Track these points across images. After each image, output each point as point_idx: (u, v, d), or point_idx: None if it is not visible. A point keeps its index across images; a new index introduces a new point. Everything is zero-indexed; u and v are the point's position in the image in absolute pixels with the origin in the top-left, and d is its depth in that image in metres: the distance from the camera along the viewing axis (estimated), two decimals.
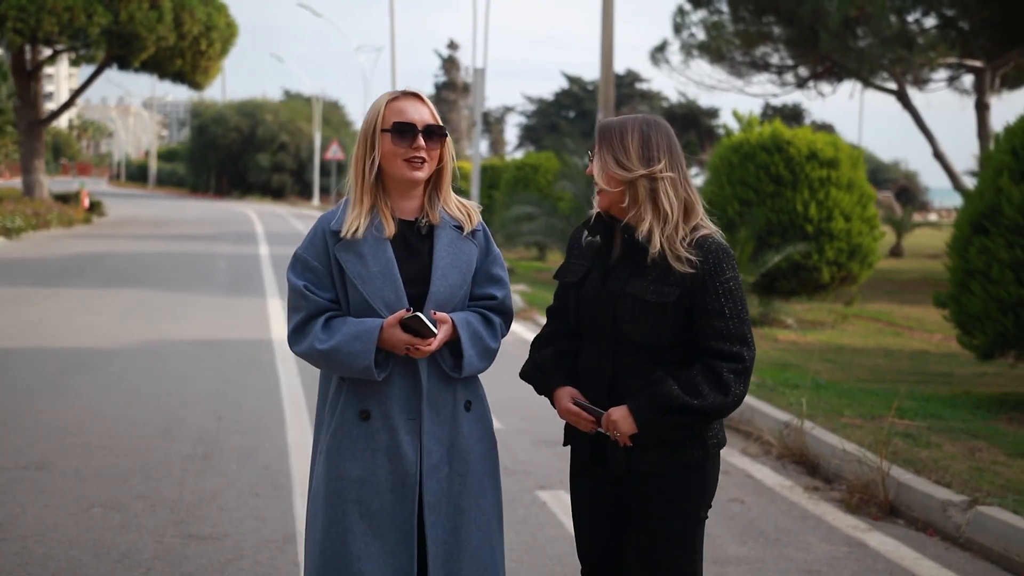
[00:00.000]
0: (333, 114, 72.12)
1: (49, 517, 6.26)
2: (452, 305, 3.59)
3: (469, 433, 3.63)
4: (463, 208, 3.70)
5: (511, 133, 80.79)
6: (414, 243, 3.61)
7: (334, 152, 52.55)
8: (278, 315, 15.11)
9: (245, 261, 23.93)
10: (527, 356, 3.76)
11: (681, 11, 32.97)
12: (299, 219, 45.20)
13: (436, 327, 3.47)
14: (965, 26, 28.40)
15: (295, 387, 10.11)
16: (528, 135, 73.75)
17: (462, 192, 3.83)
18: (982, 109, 30.98)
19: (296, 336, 3.59)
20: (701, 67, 34.27)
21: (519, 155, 55.53)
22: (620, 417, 3.46)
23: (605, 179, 3.50)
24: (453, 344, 3.57)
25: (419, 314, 3.40)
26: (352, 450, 3.54)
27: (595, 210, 3.63)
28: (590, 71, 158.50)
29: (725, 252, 3.49)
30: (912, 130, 70.09)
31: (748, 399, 9.05)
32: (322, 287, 3.58)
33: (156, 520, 6.26)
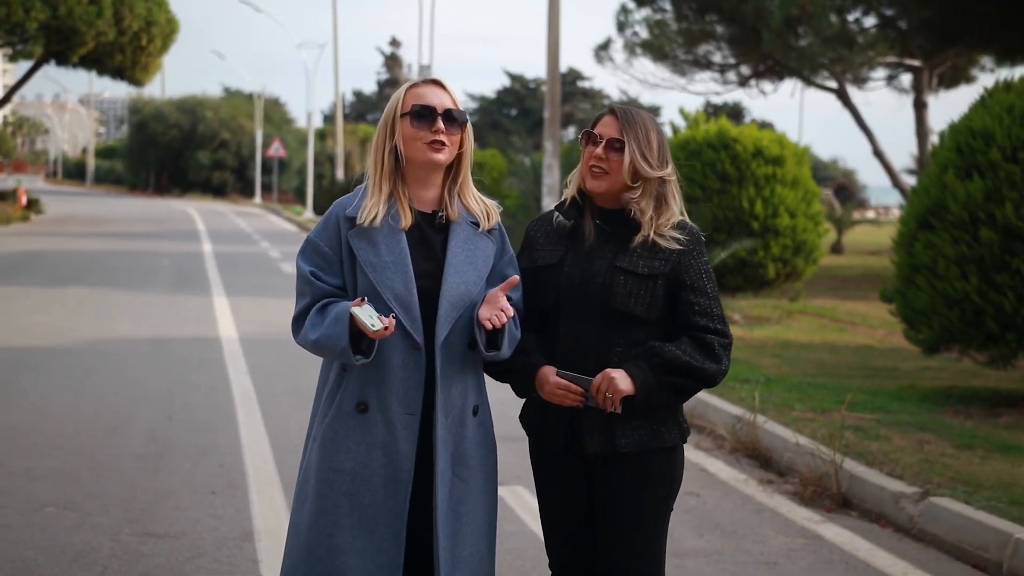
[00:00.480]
0: (274, 111, 71.60)
1: (1, 517, 6.18)
2: (468, 302, 3.53)
3: (473, 438, 3.59)
4: (482, 204, 3.66)
5: None
6: (430, 236, 3.57)
7: (276, 149, 52.06)
8: (225, 313, 15.00)
9: (189, 259, 23.72)
10: None
11: (624, 9, 33.11)
12: (241, 217, 44.89)
13: (379, 322, 3.35)
14: (904, 26, 28.77)
15: (245, 385, 10.04)
16: None
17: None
18: (920, 108, 31.42)
19: (296, 324, 3.57)
20: (644, 65, 34.21)
21: None
22: (619, 376, 3.46)
23: (629, 169, 3.54)
24: (492, 331, 3.53)
25: (356, 310, 3.34)
26: (347, 442, 3.50)
27: (568, 195, 3.67)
28: (532, 69, 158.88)
29: (701, 236, 3.64)
30: (849, 128, 71.08)
31: (700, 393, 9.11)
32: (330, 273, 3.55)
33: (110, 519, 6.19)
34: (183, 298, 16.69)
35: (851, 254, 32.67)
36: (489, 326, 3.45)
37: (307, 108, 50.16)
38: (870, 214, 58.16)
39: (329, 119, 65.22)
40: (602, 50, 34.82)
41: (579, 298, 3.57)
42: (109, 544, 5.79)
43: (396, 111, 3.58)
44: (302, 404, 9.31)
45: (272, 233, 34.49)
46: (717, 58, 33.48)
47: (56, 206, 46.26)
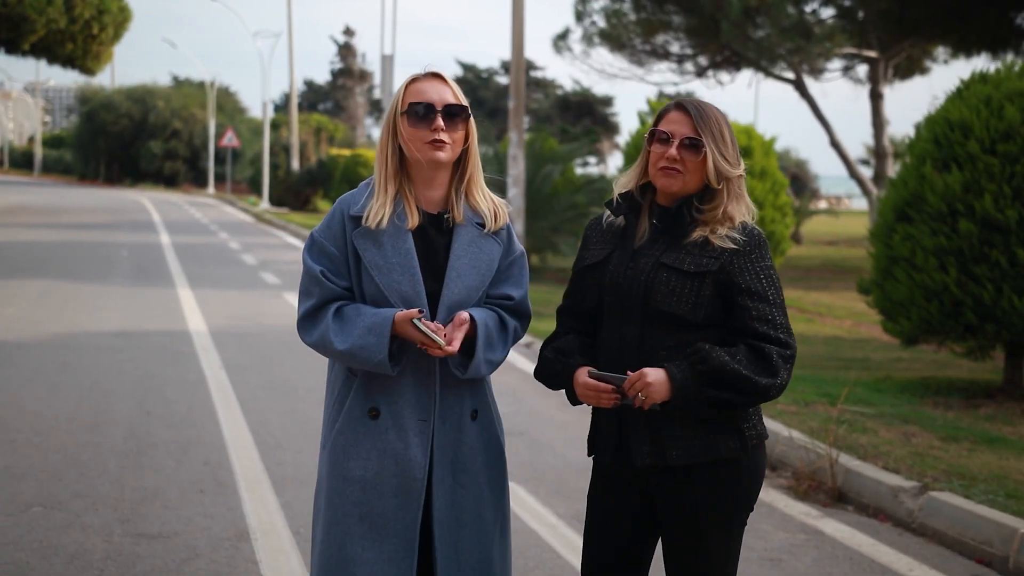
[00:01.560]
0: (226, 101, 70.90)
1: None
2: (468, 307, 3.42)
3: (473, 443, 3.47)
4: (491, 203, 3.52)
5: None
6: (435, 238, 3.44)
7: (229, 139, 51.49)
8: (191, 306, 14.80)
9: (148, 250, 23.43)
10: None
11: None
12: (196, 207, 44.45)
13: (442, 337, 3.28)
14: (861, 16, 28.97)
15: (222, 380, 9.89)
16: None
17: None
18: (876, 98, 31.66)
19: (307, 323, 3.43)
20: (602, 55, 34.29)
21: None
22: (656, 380, 3.22)
23: (713, 172, 3.34)
24: (466, 342, 3.38)
25: (419, 323, 3.24)
26: (358, 449, 3.39)
27: (618, 191, 3.48)
28: (484, 59, 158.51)
29: (764, 241, 3.41)
30: (801, 118, 71.44)
31: None
32: (338, 274, 3.42)
33: (100, 519, 6.05)
34: (147, 290, 16.46)
35: (809, 244, 32.92)
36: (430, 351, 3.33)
37: (263, 98, 49.85)
38: (822, 204, 58.56)
39: (280, 109, 64.74)
40: (560, 40, 34.77)
41: (622, 298, 3.37)
42: (103, 545, 5.65)
43: (397, 109, 3.43)
44: (280, 398, 9.20)
45: (229, 224, 34.17)
46: (675, 48, 33.50)
47: (5, 196, 45.59)
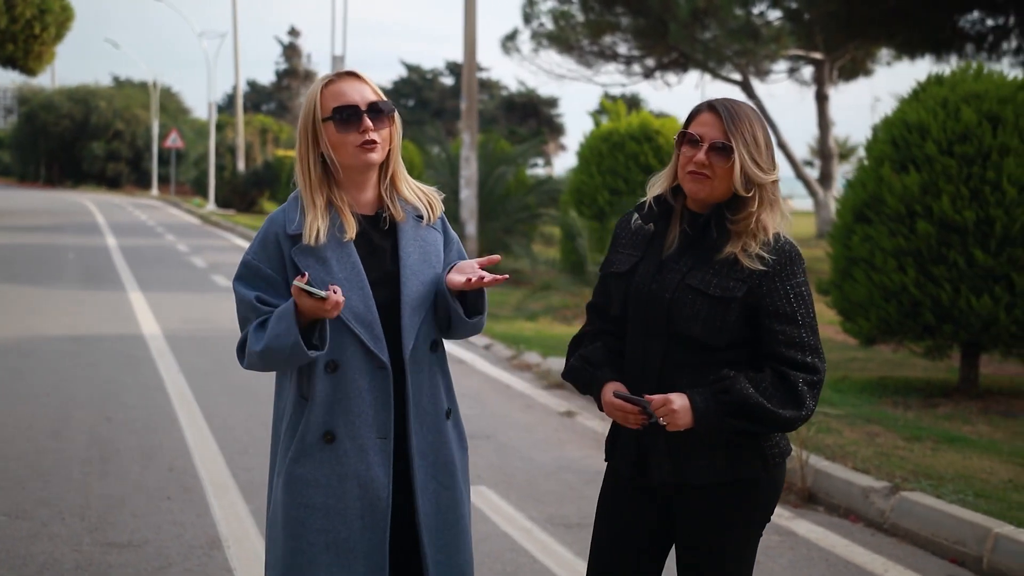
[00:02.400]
0: (169, 101, 70.35)
1: None
2: (428, 304, 3.32)
3: (451, 442, 3.39)
4: (422, 195, 3.42)
5: None
6: (378, 243, 3.32)
7: (173, 140, 51.06)
8: (144, 309, 14.62)
9: (94, 253, 23.14)
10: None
11: (531, 1, 33.12)
12: (140, 209, 44.00)
13: (324, 290, 3.10)
14: (808, 18, 29.23)
15: (180, 384, 9.77)
16: None
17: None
18: (822, 100, 32.04)
19: (241, 351, 3.32)
20: (551, 56, 34.41)
21: None
22: (680, 407, 3.13)
23: (741, 178, 3.19)
24: (476, 295, 3.32)
25: (296, 283, 3.06)
26: (316, 475, 3.25)
27: (650, 195, 3.35)
28: (428, 59, 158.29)
29: (798, 255, 3.24)
30: None
31: None
32: (275, 295, 3.28)
33: (68, 528, 5.95)
34: (97, 294, 16.25)
35: None
36: (462, 280, 3.22)
37: (208, 98, 49.37)
38: None
39: (223, 110, 64.26)
40: (509, 41, 34.81)
41: (646, 314, 3.26)
42: (72, 555, 5.56)
43: (315, 115, 3.26)
44: (241, 402, 9.10)
45: (176, 226, 33.84)
46: (623, 49, 33.65)
47: None
